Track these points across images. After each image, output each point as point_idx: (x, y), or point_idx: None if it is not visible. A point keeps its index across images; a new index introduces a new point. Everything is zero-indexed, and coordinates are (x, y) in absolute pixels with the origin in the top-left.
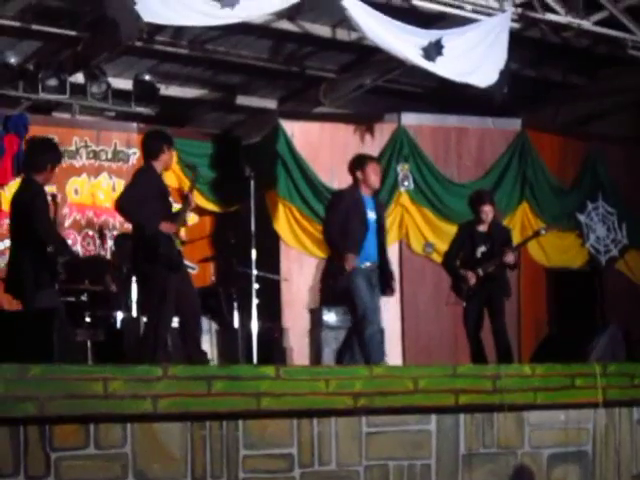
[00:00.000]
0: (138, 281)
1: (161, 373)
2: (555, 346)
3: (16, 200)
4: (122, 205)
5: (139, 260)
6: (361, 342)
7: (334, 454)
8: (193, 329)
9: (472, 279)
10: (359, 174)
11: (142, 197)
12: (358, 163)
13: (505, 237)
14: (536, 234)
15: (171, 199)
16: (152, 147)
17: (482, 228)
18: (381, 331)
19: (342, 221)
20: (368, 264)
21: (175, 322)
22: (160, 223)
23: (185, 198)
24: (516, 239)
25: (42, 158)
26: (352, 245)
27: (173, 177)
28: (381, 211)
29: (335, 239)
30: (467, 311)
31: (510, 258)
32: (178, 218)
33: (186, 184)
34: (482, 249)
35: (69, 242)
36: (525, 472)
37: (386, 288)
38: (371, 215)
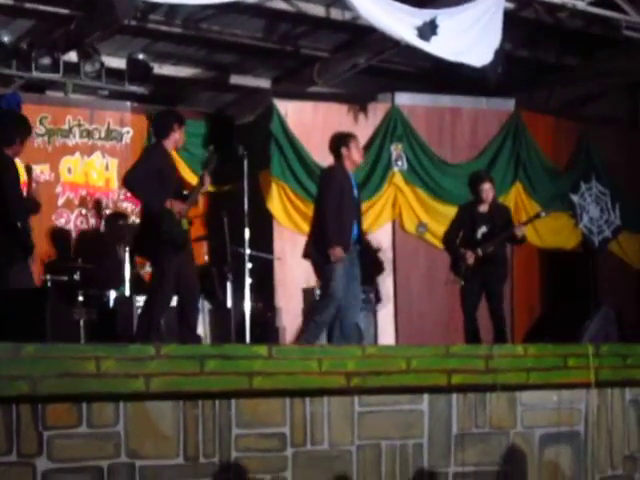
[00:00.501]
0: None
1: (154, 352)
2: (548, 326)
3: None
4: (129, 181)
5: (142, 237)
6: (321, 319)
7: (326, 434)
8: (189, 313)
9: (470, 258)
10: (344, 150)
11: (149, 174)
12: (342, 140)
13: (506, 217)
14: (537, 216)
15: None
16: (163, 126)
17: (483, 208)
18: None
19: (337, 201)
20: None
21: (173, 302)
22: (165, 201)
23: (200, 178)
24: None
25: (11, 132)
26: (343, 230)
27: None
28: (358, 188)
29: (330, 223)
30: (465, 291)
31: (520, 231)
32: (190, 198)
33: (179, 163)
34: (483, 230)
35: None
36: (516, 453)
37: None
38: (355, 193)
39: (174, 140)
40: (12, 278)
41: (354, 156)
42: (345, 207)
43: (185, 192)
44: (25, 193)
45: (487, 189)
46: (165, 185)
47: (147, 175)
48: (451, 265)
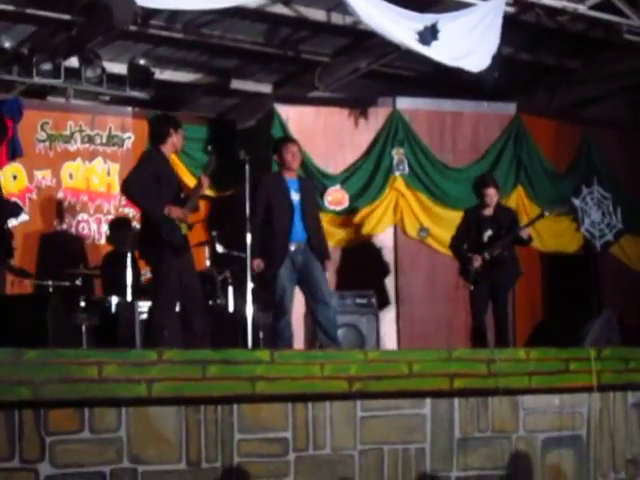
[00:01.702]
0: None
1: (156, 357)
2: (550, 330)
3: None
4: (127, 188)
5: (143, 243)
6: (275, 331)
7: (329, 438)
8: (193, 319)
9: (477, 262)
10: (276, 157)
11: (147, 180)
12: (274, 147)
13: (511, 219)
14: (541, 215)
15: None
16: (159, 131)
17: (487, 212)
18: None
19: (265, 207)
20: (294, 247)
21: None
22: (164, 207)
23: (198, 181)
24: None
25: None
26: (271, 239)
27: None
28: (307, 191)
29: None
30: (474, 295)
31: (525, 233)
32: (188, 202)
33: (180, 168)
34: (488, 233)
35: (64, 226)
36: (519, 457)
37: (319, 258)
38: (295, 197)
39: (172, 144)
40: None
41: (287, 161)
42: (275, 213)
43: (182, 195)
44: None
45: (491, 194)
46: (163, 190)
47: (145, 181)
48: (460, 270)
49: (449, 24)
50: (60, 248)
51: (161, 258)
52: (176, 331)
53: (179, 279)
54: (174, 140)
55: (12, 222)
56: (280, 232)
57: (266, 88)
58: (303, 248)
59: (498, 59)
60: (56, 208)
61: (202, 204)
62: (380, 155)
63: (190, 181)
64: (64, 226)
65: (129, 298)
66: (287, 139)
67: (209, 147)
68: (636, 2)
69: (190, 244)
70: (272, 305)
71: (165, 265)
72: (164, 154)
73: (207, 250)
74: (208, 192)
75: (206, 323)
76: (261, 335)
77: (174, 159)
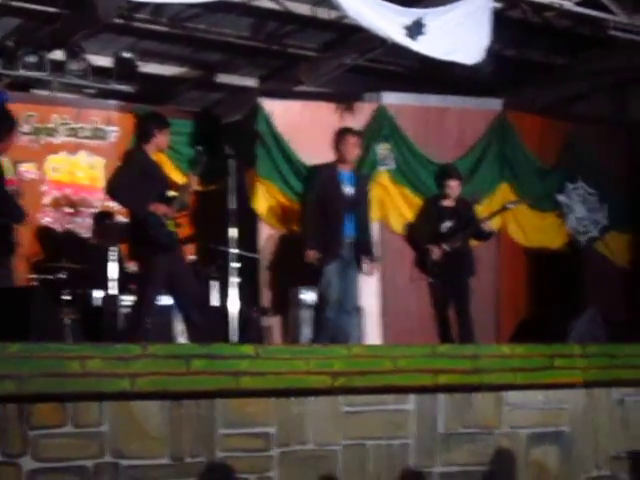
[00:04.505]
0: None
1: (139, 352)
2: (534, 327)
3: None
4: (111, 189)
5: (132, 241)
6: (319, 322)
7: (312, 433)
8: (190, 313)
9: (437, 254)
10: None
11: (130, 180)
12: (335, 137)
13: (469, 212)
14: (503, 208)
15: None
16: (143, 130)
17: (448, 203)
18: (349, 312)
19: (319, 199)
20: (346, 242)
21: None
22: (149, 205)
23: (187, 180)
24: (496, 220)
25: None
26: (326, 232)
27: None
28: (360, 186)
29: (305, 227)
30: (433, 288)
31: (486, 225)
32: (175, 200)
33: (165, 162)
34: (447, 224)
35: (48, 220)
36: (503, 453)
37: (359, 263)
38: (348, 190)
39: (155, 145)
40: None
41: (344, 152)
42: (328, 205)
43: (171, 193)
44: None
45: (453, 186)
46: (148, 188)
47: (128, 181)
48: (416, 261)
49: (436, 19)
50: (44, 241)
51: (149, 255)
52: (158, 326)
53: (170, 277)
54: (158, 140)
55: None
56: (333, 226)
57: (251, 82)
58: (350, 245)
59: (491, 53)
60: (40, 201)
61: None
62: (365, 150)
63: (175, 175)
64: (48, 219)
65: (113, 292)
66: (347, 129)
67: (199, 147)
68: None
69: (180, 241)
70: (317, 297)
71: (153, 262)
72: (148, 153)
73: (192, 245)
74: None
75: (205, 316)
76: (245, 329)
77: (158, 154)
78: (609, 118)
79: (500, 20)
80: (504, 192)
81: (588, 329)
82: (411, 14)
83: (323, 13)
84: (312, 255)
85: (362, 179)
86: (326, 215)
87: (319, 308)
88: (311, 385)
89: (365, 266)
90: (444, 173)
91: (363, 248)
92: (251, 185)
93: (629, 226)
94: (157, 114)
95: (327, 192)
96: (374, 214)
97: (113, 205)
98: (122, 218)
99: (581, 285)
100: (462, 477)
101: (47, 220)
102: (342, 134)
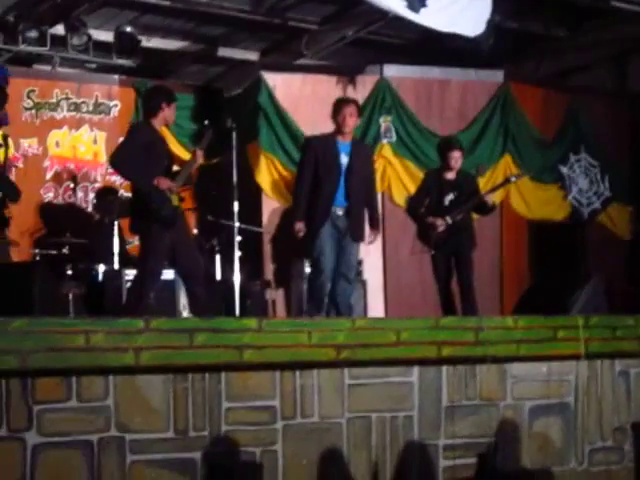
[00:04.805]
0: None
1: (143, 326)
2: (537, 298)
3: None
4: (115, 162)
5: (133, 214)
6: (312, 290)
7: (316, 406)
8: (195, 287)
9: (441, 226)
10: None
11: (135, 153)
12: (333, 107)
13: (472, 185)
14: (506, 181)
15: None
16: (150, 104)
17: (450, 176)
18: (350, 281)
19: (313, 172)
20: (337, 211)
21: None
22: (153, 179)
23: (192, 154)
24: (499, 192)
25: None
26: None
27: None
28: (359, 155)
29: (296, 197)
30: (436, 260)
31: (489, 198)
32: (180, 174)
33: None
34: (450, 197)
35: (50, 195)
36: (507, 425)
37: (353, 234)
38: (344, 160)
39: (162, 118)
40: None
41: (341, 123)
42: (323, 177)
43: (176, 168)
44: None
45: (456, 157)
46: (153, 162)
47: (133, 153)
48: (417, 233)
49: None
50: (47, 216)
51: (150, 229)
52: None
53: (173, 250)
54: (165, 114)
55: None
56: (325, 195)
57: (253, 56)
58: (344, 214)
59: (492, 25)
60: (42, 176)
61: None
62: (367, 123)
63: (176, 149)
64: (50, 194)
65: (116, 266)
66: (344, 99)
67: (206, 122)
68: None
69: (183, 215)
70: (311, 263)
71: (154, 236)
72: (154, 127)
73: (194, 218)
74: None
75: (209, 291)
76: (248, 303)
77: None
78: (610, 89)
79: None
80: (506, 164)
81: (591, 300)
82: None
83: None
84: (299, 228)
85: (362, 149)
86: (320, 186)
87: (311, 275)
88: (315, 358)
89: (367, 236)
90: (446, 145)
91: (355, 219)
92: (254, 158)
93: (631, 197)
94: (165, 88)
95: (324, 163)
96: (377, 186)
97: (115, 179)
98: (125, 193)
99: (583, 257)
100: (466, 449)
101: (49, 195)
102: (338, 104)
